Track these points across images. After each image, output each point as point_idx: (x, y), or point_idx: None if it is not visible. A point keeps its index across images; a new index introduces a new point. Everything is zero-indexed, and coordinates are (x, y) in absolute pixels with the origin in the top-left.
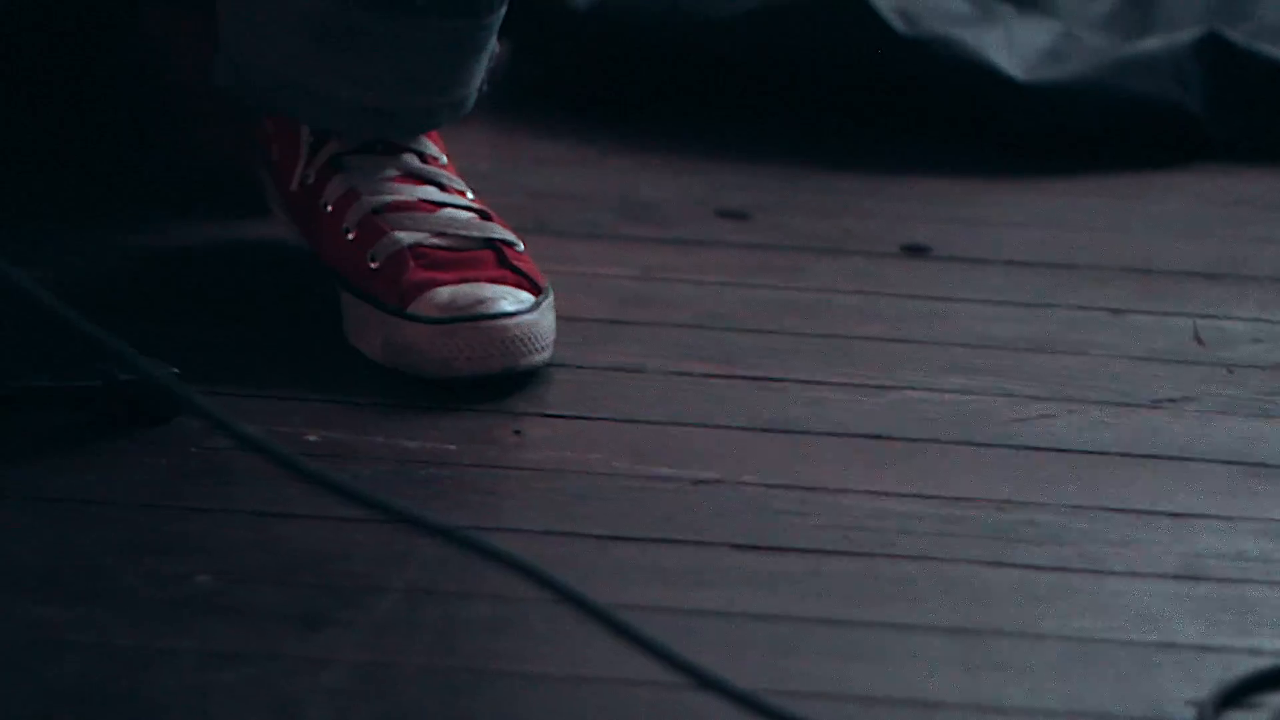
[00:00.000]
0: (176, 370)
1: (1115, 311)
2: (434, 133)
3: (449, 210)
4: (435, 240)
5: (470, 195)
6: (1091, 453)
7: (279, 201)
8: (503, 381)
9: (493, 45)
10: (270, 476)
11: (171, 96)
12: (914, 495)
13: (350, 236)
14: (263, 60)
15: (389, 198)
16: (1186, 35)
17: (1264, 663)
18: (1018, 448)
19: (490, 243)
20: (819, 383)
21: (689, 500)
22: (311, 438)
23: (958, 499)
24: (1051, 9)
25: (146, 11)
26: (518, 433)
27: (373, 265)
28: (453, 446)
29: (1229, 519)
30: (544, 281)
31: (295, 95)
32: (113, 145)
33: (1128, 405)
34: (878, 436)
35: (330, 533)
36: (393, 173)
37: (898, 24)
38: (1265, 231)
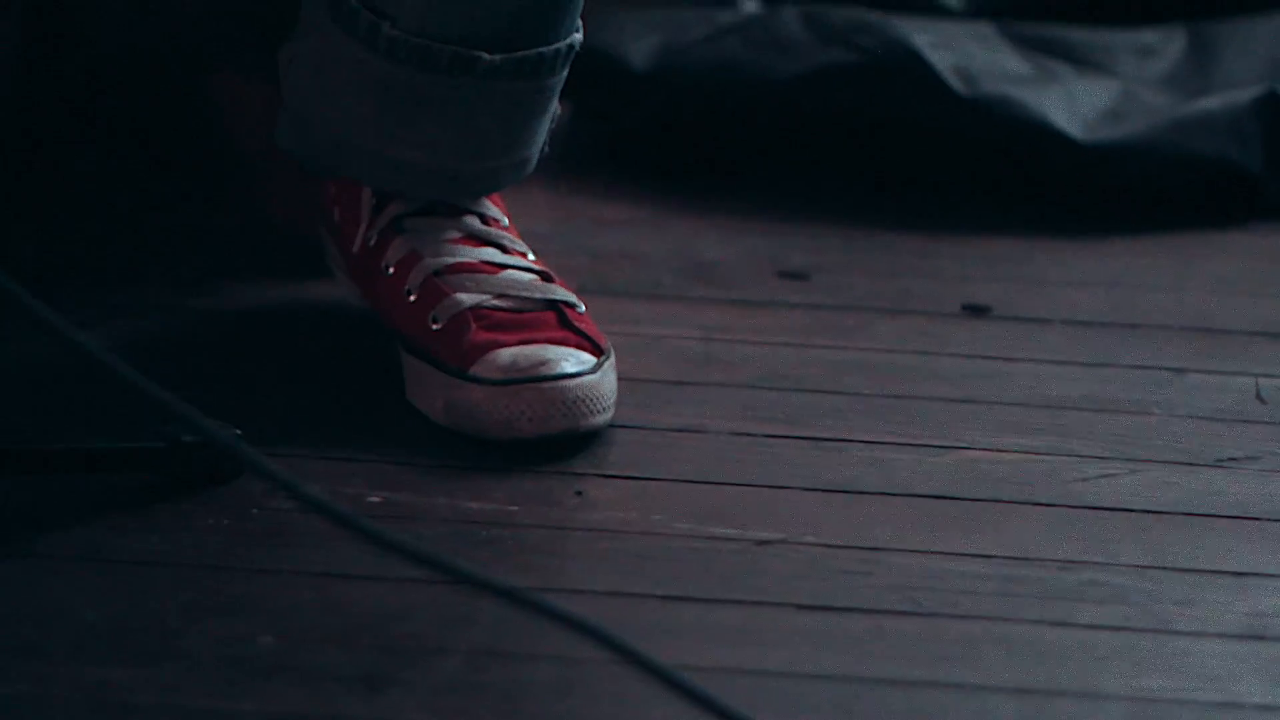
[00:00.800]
0: (239, 431)
1: (1177, 371)
2: (495, 194)
3: (511, 272)
4: (497, 302)
5: (531, 257)
6: (1154, 512)
7: (341, 264)
8: (564, 443)
9: (555, 107)
10: (333, 537)
11: (236, 161)
12: (976, 555)
13: (412, 298)
14: (326, 123)
15: (450, 259)
16: (1245, 94)
17: None
18: (1080, 507)
19: (552, 304)
20: (880, 443)
21: (752, 561)
22: (373, 499)
23: (1020, 559)
24: (1110, 68)
25: (213, 77)
26: (579, 494)
27: (434, 327)
28: (515, 507)
29: None
30: (605, 343)
31: (359, 158)
32: (178, 208)
33: (1190, 465)
34: (940, 497)
35: (393, 594)
36: (454, 234)
37: (957, 84)
38: None
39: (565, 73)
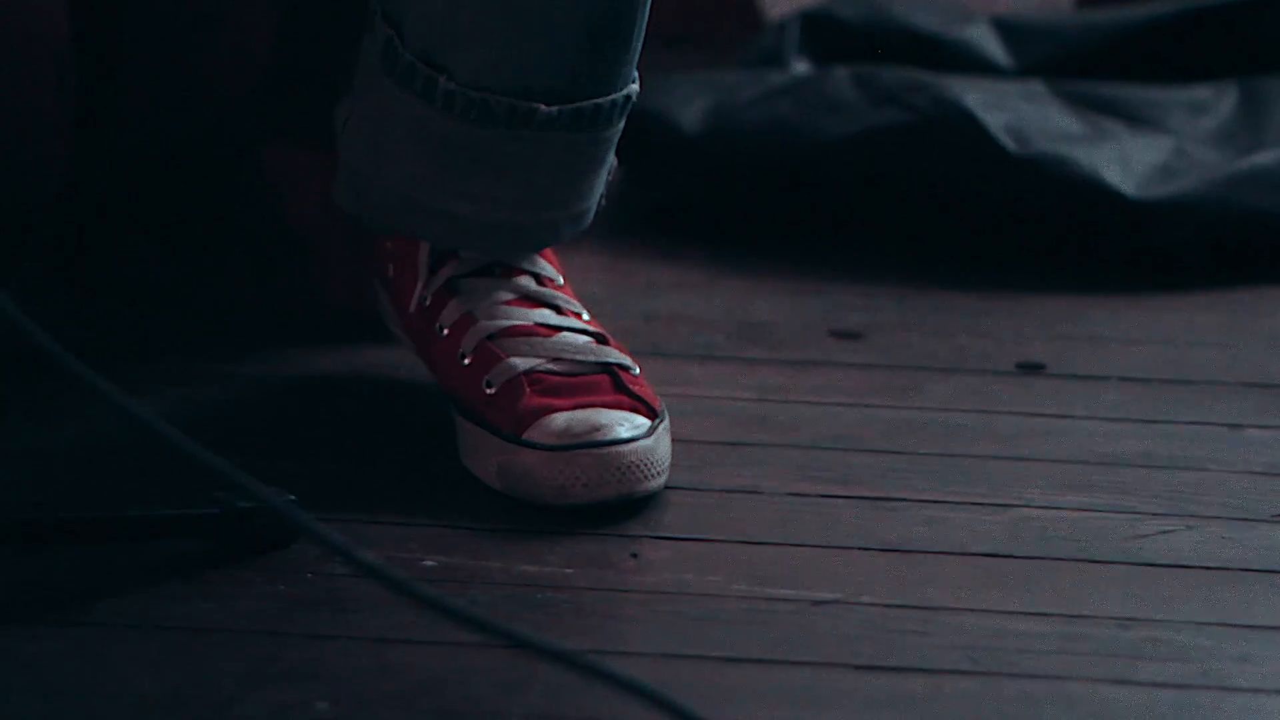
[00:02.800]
0: (294, 497)
1: (1233, 426)
2: (550, 252)
3: (565, 334)
4: (551, 366)
5: (586, 316)
6: (1212, 568)
7: (396, 320)
8: (619, 506)
9: (612, 158)
10: (388, 602)
11: (291, 230)
12: (1035, 614)
13: (466, 362)
14: (384, 179)
15: (505, 323)
16: None
17: None
18: (1138, 564)
19: (606, 367)
20: (937, 502)
21: (809, 621)
22: (429, 563)
23: (1079, 617)
24: (1163, 125)
25: (267, 147)
26: (635, 556)
27: (489, 391)
28: (570, 570)
29: None
30: (659, 405)
31: (417, 213)
32: (234, 277)
33: (1248, 520)
34: (997, 555)
35: (449, 659)
36: (509, 296)
37: (1009, 143)
38: None
39: (623, 123)
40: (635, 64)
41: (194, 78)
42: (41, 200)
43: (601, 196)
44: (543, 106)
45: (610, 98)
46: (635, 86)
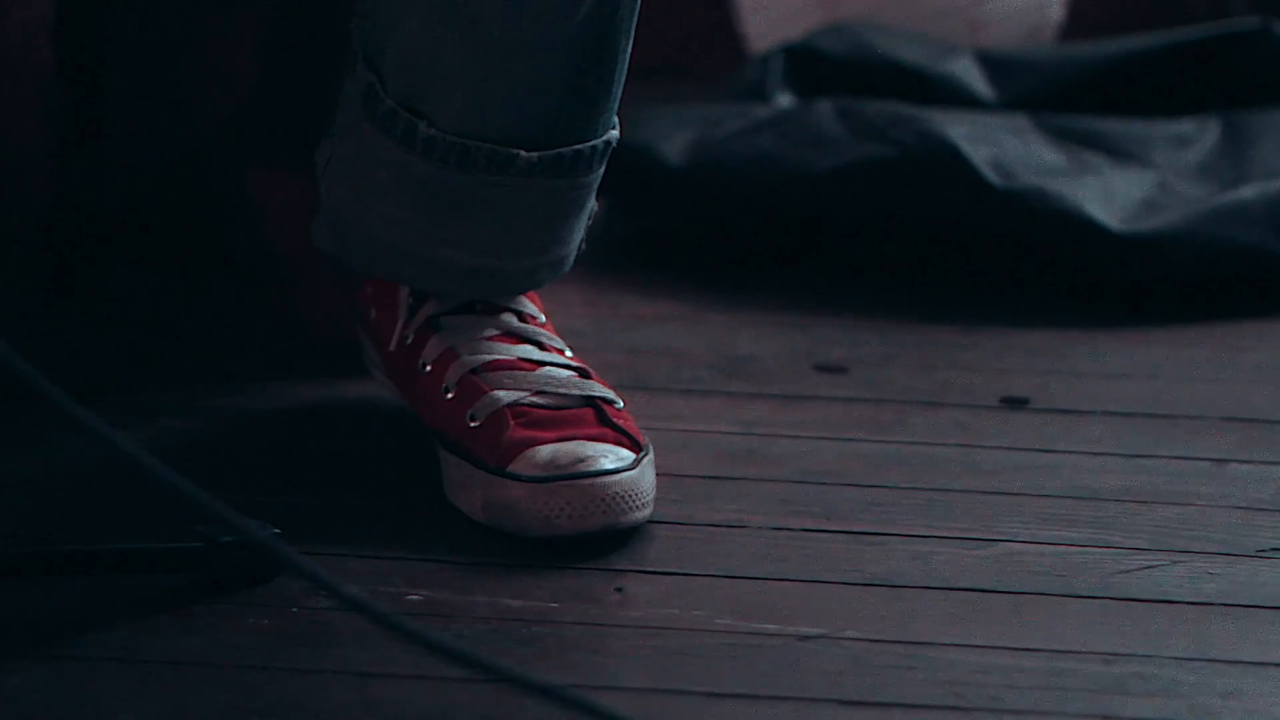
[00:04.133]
0: (278, 531)
1: (1217, 462)
2: (532, 291)
3: (548, 369)
4: (535, 399)
5: (569, 353)
6: (1197, 604)
7: (378, 363)
8: (604, 539)
9: (592, 203)
10: (373, 637)
11: (272, 260)
12: (1019, 649)
13: (449, 396)
14: (364, 224)
15: (488, 357)
16: None
17: None
18: (1123, 600)
19: (590, 400)
20: (921, 536)
21: (793, 657)
22: (413, 597)
23: (1064, 652)
24: (1146, 159)
25: (249, 176)
26: (620, 590)
27: (472, 424)
28: (555, 605)
29: None
30: (644, 439)
31: (397, 259)
32: (214, 308)
33: (1232, 555)
34: (982, 590)
35: (434, 693)
36: (491, 332)
37: (993, 177)
38: None
39: (602, 169)
40: (615, 110)
41: (178, 101)
42: (25, 225)
43: (582, 241)
44: (523, 153)
45: (590, 144)
46: (615, 132)
